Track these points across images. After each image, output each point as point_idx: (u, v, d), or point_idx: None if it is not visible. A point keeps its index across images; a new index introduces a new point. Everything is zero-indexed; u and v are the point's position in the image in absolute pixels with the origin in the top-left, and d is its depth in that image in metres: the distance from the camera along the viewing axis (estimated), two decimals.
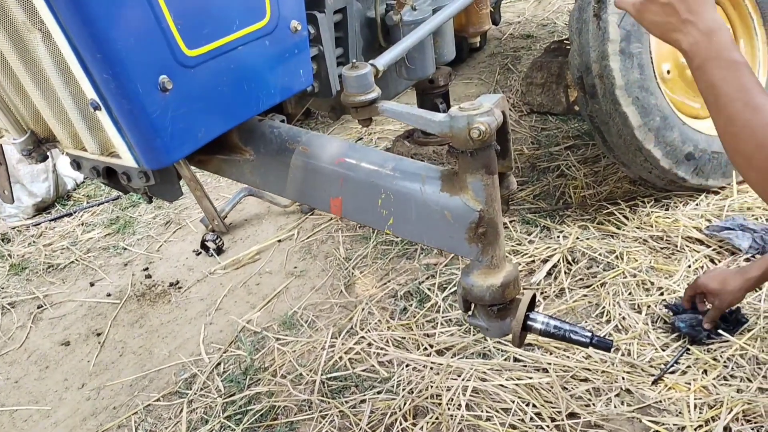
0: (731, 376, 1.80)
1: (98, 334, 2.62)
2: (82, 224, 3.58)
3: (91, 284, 2.98)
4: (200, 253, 3.05)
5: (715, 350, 1.88)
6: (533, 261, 2.45)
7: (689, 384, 1.79)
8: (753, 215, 2.46)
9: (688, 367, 1.85)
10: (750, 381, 1.77)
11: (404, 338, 2.20)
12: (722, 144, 1.11)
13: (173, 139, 1.19)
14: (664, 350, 1.92)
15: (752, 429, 1.62)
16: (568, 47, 2.57)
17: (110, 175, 1.53)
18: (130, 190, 1.61)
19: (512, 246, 2.56)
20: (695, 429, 1.65)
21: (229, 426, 1.99)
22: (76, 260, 3.21)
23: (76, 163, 1.55)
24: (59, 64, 1.19)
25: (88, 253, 3.26)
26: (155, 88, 1.14)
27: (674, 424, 1.68)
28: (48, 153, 1.53)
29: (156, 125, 1.15)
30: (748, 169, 1.09)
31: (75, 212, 3.72)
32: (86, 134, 1.31)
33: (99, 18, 1.06)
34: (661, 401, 1.76)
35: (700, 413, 1.70)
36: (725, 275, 1.84)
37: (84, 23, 1.07)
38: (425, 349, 2.14)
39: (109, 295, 2.87)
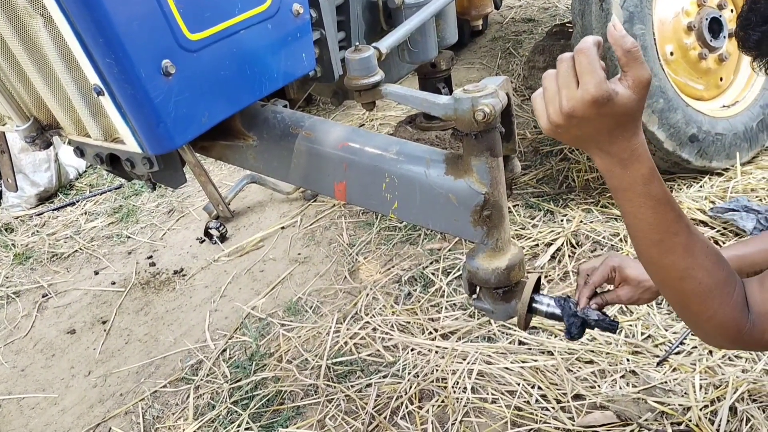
0: (736, 356, 1.80)
1: (104, 322, 2.63)
2: (85, 213, 3.58)
3: (96, 273, 2.99)
4: (204, 240, 3.05)
5: None
6: (537, 245, 2.45)
7: (694, 365, 1.79)
8: (757, 196, 2.45)
9: (694, 347, 1.85)
10: (755, 362, 1.77)
11: (409, 323, 2.21)
12: None
13: (176, 123, 1.18)
14: (668, 331, 1.93)
15: (758, 408, 1.63)
16: (570, 30, 2.56)
17: (114, 162, 1.53)
18: (134, 176, 1.62)
19: (516, 230, 2.55)
20: (700, 409, 1.65)
21: (236, 411, 2.00)
22: (80, 249, 3.21)
23: (80, 150, 1.55)
24: (61, 49, 1.18)
25: (92, 242, 3.26)
26: (158, 72, 1.13)
27: (680, 405, 1.68)
28: (51, 140, 1.52)
29: (159, 110, 1.15)
30: (659, 289, 1.08)
31: (78, 201, 3.72)
32: (89, 120, 1.30)
33: (101, 2, 1.05)
34: (666, 382, 1.77)
35: (706, 393, 1.71)
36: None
37: (86, 8, 1.06)
38: (430, 333, 2.14)
39: (113, 283, 2.88)
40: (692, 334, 1.89)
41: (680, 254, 0.98)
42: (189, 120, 1.22)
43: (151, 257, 3.01)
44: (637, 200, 0.96)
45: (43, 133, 1.49)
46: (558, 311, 1.36)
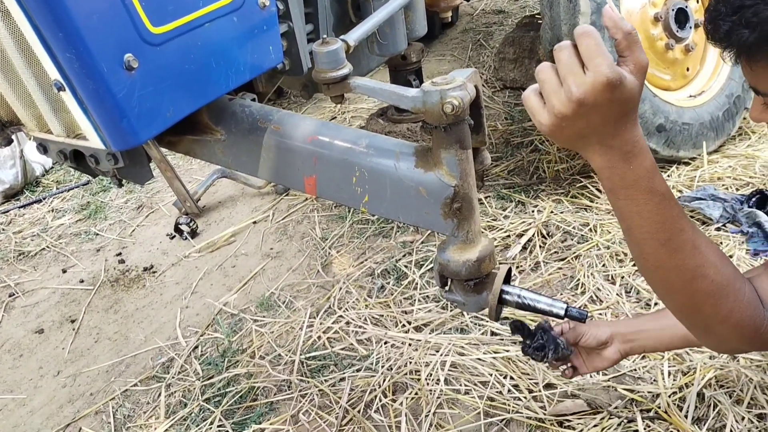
0: None
1: (72, 321, 2.59)
2: (53, 210, 3.52)
3: (64, 271, 2.94)
4: (174, 236, 3.02)
5: None
6: (509, 236, 2.47)
7: (663, 352, 1.82)
8: (723, 185, 2.50)
9: None
10: None
11: (382, 316, 2.21)
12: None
13: (140, 119, 1.16)
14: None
15: (725, 394, 1.66)
16: (540, 22, 2.57)
17: (78, 159, 1.49)
18: (99, 173, 1.58)
19: (488, 222, 2.56)
20: (669, 396, 1.68)
21: (209, 408, 1.98)
22: (47, 247, 3.16)
23: (43, 147, 1.51)
24: (20, 43, 1.15)
25: (60, 240, 3.20)
26: (120, 66, 1.11)
27: (649, 392, 1.71)
28: (12, 137, 1.49)
29: (122, 105, 1.13)
30: (663, 301, 1.04)
31: (44, 198, 3.65)
32: (51, 116, 1.27)
33: None
34: (635, 369, 1.79)
35: (674, 380, 1.73)
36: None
37: (45, 2, 1.03)
38: (403, 326, 2.14)
39: (82, 281, 2.83)
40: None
41: (689, 252, 0.93)
42: (153, 115, 1.19)
43: (120, 254, 2.97)
44: (642, 198, 0.91)
45: (3, 129, 1.46)
46: (528, 303, 1.37)
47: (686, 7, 2.58)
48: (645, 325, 1.49)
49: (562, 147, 0.95)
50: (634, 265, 2.17)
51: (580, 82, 0.84)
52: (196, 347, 2.28)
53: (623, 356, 1.49)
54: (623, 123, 0.88)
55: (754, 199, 2.30)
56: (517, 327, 1.48)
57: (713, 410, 1.62)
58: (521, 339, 1.49)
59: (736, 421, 1.58)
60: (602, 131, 0.88)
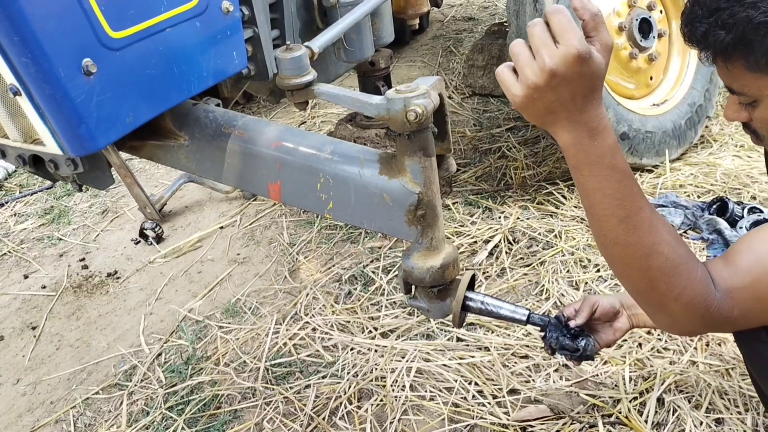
0: (664, 348, 1.86)
1: (33, 328, 2.53)
2: (15, 214, 3.44)
3: (25, 276, 2.88)
4: (139, 241, 2.97)
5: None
6: (475, 242, 2.48)
7: (624, 357, 1.84)
8: (685, 192, 2.55)
9: (624, 341, 1.90)
10: (682, 353, 1.83)
11: (349, 322, 2.20)
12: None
13: (99, 124, 1.14)
14: None
15: (684, 398, 1.69)
16: (508, 29, 2.59)
17: (37, 163, 1.47)
18: (59, 178, 1.56)
19: (455, 227, 2.58)
20: (630, 401, 1.70)
21: (171, 416, 1.95)
22: (9, 252, 3.09)
23: (1, 152, 1.48)
24: None
25: (22, 245, 3.14)
26: (78, 71, 1.09)
27: (610, 397, 1.73)
28: None
29: (80, 110, 1.11)
30: (620, 278, 1.06)
31: (7, 202, 3.57)
32: (7, 121, 1.25)
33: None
34: (597, 375, 1.81)
35: (635, 386, 1.76)
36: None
37: (0, 5, 1.02)
38: (370, 332, 2.14)
39: (44, 287, 2.77)
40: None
41: (646, 230, 0.97)
42: (112, 120, 1.18)
43: (83, 259, 2.92)
44: (604, 173, 0.95)
45: None
46: (491, 309, 1.38)
47: (650, 17, 2.63)
48: None
49: (532, 122, 0.99)
50: (597, 271, 2.20)
51: (552, 54, 0.89)
52: (160, 354, 2.24)
53: (633, 327, 1.45)
54: (590, 99, 0.93)
55: (714, 207, 2.35)
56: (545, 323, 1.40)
57: (673, 415, 1.65)
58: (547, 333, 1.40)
59: (695, 425, 1.61)
60: (570, 106, 0.93)
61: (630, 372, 1.79)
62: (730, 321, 1.02)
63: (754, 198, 2.45)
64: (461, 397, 1.82)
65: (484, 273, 2.32)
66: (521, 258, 2.36)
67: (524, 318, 1.37)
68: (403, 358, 1.99)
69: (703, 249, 2.23)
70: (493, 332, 2.03)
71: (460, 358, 1.94)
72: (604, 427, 1.64)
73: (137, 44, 1.19)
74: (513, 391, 1.81)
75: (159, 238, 2.94)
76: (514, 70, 0.95)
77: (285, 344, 2.16)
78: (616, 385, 1.76)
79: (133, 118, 1.22)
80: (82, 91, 1.10)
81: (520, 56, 0.92)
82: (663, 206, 2.41)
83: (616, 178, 0.95)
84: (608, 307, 1.43)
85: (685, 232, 2.33)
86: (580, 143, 0.95)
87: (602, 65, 0.91)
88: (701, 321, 1.01)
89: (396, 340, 2.07)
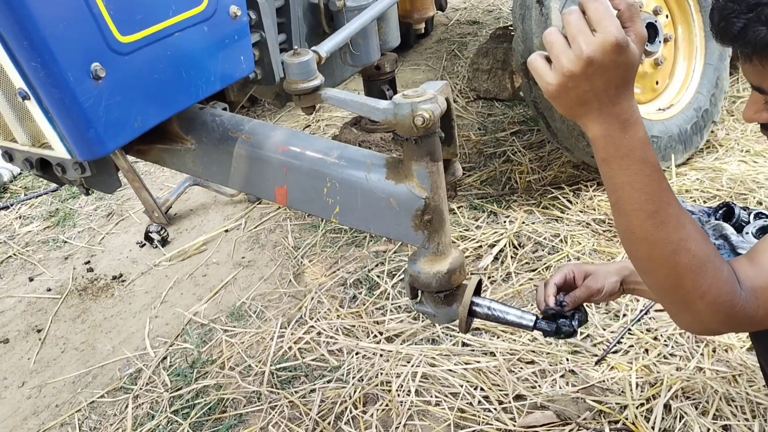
0: (671, 354, 1.86)
1: (38, 331, 2.54)
2: (20, 217, 3.45)
3: (30, 279, 2.88)
4: (144, 245, 2.97)
5: (656, 330, 1.94)
6: (480, 246, 2.48)
7: (631, 363, 1.84)
8: (691, 197, 2.54)
9: (630, 347, 1.90)
10: (689, 359, 1.83)
11: (354, 326, 2.20)
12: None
13: (107, 129, 1.15)
14: (605, 330, 1.97)
15: (691, 405, 1.68)
16: (513, 33, 2.59)
17: (45, 167, 1.47)
18: (66, 182, 1.56)
19: (460, 232, 2.57)
20: (637, 407, 1.70)
21: (177, 420, 1.95)
22: (14, 255, 3.09)
23: (8, 155, 1.49)
24: None
25: (27, 247, 3.14)
26: (87, 76, 1.10)
27: (617, 403, 1.72)
28: None
29: (88, 115, 1.11)
30: (644, 275, 1.04)
31: (12, 205, 3.58)
32: (15, 125, 1.25)
33: (25, 3, 1.01)
34: (604, 381, 1.81)
35: (642, 392, 1.75)
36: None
37: (9, 9, 1.02)
38: (375, 336, 2.14)
39: (49, 290, 2.78)
40: (629, 333, 1.94)
41: (674, 225, 0.95)
42: (121, 124, 1.18)
43: (88, 262, 2.92)
44: (635, 167, 0.93)
45: None
46: (497, 314, 1.38)
47: (656, 22, 2.63)
48: None
49: (562, 114, 0.98)
50: None
51: (589, 41, 0.87)
52: (165, 358, 2.24)
53: (623, 293, 1.44)
54: (623, 90, 0.91)
55: (720, 212, 2.33)
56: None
57: (679, 422, 1.64)
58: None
59: None
60: (603, 97, 0.91)
61: (636, 378, 1.79)
62: (755, 321, 1.00)
63: (761, 203, 2.44)
64: (467, 403, 1.82)
65: (489, 277, 2.32)
66: (527, 263, 2.36)
67: (531, 324, 1.36)
68: (408, 362, 1.99)
69: None
70: (498, 337, 2.02)
71: (466, 363, 1.94)
72: None
73: (146, 48, 1.19)
74: (519, 397, 1.81)
75: (164, 241, 2.94)
76: (547, 59, 0.93)
77: (290, 348, 2.16)
78: (622, 392, 1.76)
79: (141, 123, 1.22)
80: (90, 96, 1.11)
81: (555, 44, 0.90)
82: None
83: (646, 172, 0.93)
84: (606, 296, 1.41)
85: None
86: (610, 135, 0.93)
87: (637, 56, 0.90)
88: (725, 320, 0.99)
89: (401, 344, 2.07)
